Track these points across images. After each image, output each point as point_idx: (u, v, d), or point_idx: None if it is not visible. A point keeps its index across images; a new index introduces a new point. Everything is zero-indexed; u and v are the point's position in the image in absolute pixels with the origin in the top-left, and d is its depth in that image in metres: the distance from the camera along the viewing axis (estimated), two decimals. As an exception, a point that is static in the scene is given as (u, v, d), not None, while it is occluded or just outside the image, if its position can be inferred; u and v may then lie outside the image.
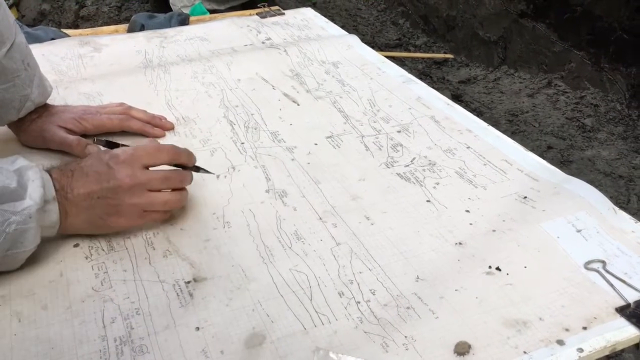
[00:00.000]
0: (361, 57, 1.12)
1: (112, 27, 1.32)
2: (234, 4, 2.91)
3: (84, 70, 1.07)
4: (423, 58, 2.90)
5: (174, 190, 0.69)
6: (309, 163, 0.80)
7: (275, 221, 0.70)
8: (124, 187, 0.64)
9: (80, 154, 0.81)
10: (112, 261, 0.64)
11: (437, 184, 0.76)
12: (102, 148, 0.71)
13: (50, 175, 0.63)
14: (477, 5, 2.71)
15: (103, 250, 0.65)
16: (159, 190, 0.67)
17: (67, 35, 1.24)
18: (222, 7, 2.89)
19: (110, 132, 0.85)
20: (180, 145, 0.71)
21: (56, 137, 0.81)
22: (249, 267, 0.63)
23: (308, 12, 1.35)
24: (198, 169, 0.72)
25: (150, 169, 0.67)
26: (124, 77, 1.04)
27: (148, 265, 0.63)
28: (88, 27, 3.09)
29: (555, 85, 2.49)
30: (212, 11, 2.82)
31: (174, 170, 0.70)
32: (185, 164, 0.71)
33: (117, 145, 0.71)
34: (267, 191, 0.75)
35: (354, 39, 1.19)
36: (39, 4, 3.31)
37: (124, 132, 0.86)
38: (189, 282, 0.61)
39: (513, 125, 2.34)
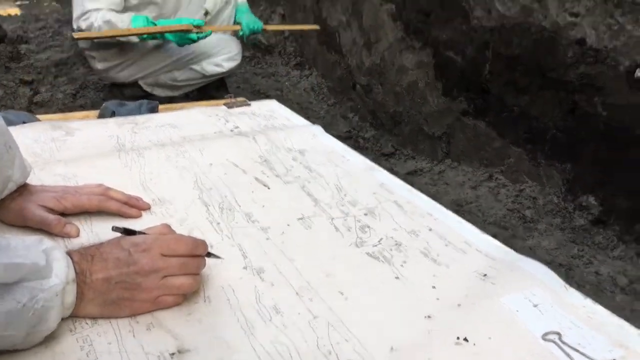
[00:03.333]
0: (326, 146, 1.19)
1: (83, 113, 1.36)
2: (187, 90, 2.99)
3: (57, 152, 1.10)
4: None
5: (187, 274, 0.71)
6: (283, 242, 0.85)
7: (255, 295, 0.73)
8: (142, 272, 0.68)
9: (60, 234, 0.83)
10: (97, 334, 0.65)
11: (405, 262, 0.81)
12: (119, 235, 0.73)
13: (71, 258, 0.66)
14: (422, 103, 2.89)
15: (87, 323, 0.67)
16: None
17: (38, 120, 1.28)
18: (176, 94, 2.97)
19: (88, 211, 0.88)
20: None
21: (36, 216, 0.83)
22: (231, 339, 0.66)
23: (273, 104, 1.44)
24: (209, 255, 0.76)
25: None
26: (99, 160, 1.07)
27: (132, 338, 0.65)
28: (42, 113, 3.10)
29: (496, 178, 2.64)
30: (169, 99, 2.90)
31: (190, 257, 0.72)
32: (200, 255, 0.74)
33: (134, 233, 0.74)
34: (245, 268, 0.78)
35: (318, 129, 1.27)
36: (-8, 89, 3.32)
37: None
38: (173, 353, 0.63)
39: (459, 215, 2.44)
